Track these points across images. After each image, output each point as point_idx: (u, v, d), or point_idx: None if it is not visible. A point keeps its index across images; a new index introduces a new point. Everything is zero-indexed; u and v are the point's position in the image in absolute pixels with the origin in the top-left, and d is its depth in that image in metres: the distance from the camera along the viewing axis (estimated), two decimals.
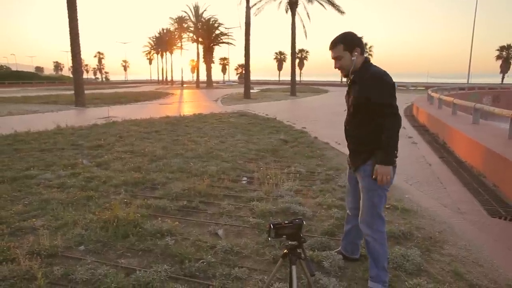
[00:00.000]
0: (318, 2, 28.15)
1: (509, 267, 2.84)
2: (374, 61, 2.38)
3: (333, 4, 27.87)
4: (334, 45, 2.36)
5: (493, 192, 4.73)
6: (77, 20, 17.51)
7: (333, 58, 2.39)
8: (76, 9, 17.38)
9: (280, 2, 28.83)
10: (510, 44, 63.78)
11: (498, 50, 64.89)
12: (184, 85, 56.62)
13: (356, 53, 2.31)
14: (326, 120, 12.94)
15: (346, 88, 2.55)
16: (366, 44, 68.61)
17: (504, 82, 59.86)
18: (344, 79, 2.56)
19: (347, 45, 2.32)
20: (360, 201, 2.46)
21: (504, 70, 64.17)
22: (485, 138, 6.39)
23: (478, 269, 2.81)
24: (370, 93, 2.22)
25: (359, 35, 2.38)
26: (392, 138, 2.21)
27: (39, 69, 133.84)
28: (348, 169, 2.62)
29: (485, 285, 2.56)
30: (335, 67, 2.40)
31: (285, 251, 1.87)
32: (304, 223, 1.81)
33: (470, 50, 38.93)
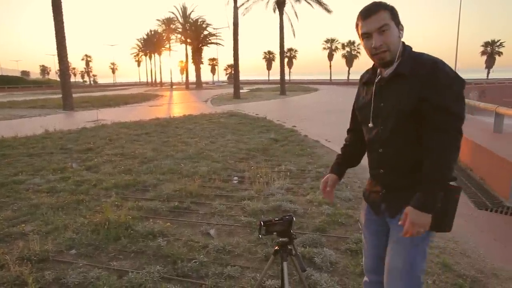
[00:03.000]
0: (306, 1, 28.32)
1: (495, 257, 2.91)
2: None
3: (320, 3, 28.08)
4: (375, 9, 1.42)
5: (480, 185, 4.82)
6: (63, 22, 17.31)
7: (373, 31, 1.42)
8: (61, 12, 17.17)
9: (268, 2, 28.95)
10: (494, 40, 65.13)
11: (482, 45, 66.13)
12: (174, 87, 56.32)
13: (401, 31, 1.47)
14: (316, 118, 13.02)
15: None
16: (353, 42, 68.22)
17: (489, 77, 60.95)
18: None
19: (394, 14, 1.43)
20: (387, 259, 1.57)
21: (489, 65, 65.44)
22: (471, 132, 6.50)
23: (466, 260, 2.87)
24: (428, 93, 1.38)
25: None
26: (444, 168, 1.36)
27: (25, 73, 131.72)
28: (366, 214, 1.71)
29: (472, 275, 2.62)
30: (376, 45, 1.42)
31: (276, 248, 1.89)
32: (294, 219, 1.83)
33: (456, 46, 39.51)
